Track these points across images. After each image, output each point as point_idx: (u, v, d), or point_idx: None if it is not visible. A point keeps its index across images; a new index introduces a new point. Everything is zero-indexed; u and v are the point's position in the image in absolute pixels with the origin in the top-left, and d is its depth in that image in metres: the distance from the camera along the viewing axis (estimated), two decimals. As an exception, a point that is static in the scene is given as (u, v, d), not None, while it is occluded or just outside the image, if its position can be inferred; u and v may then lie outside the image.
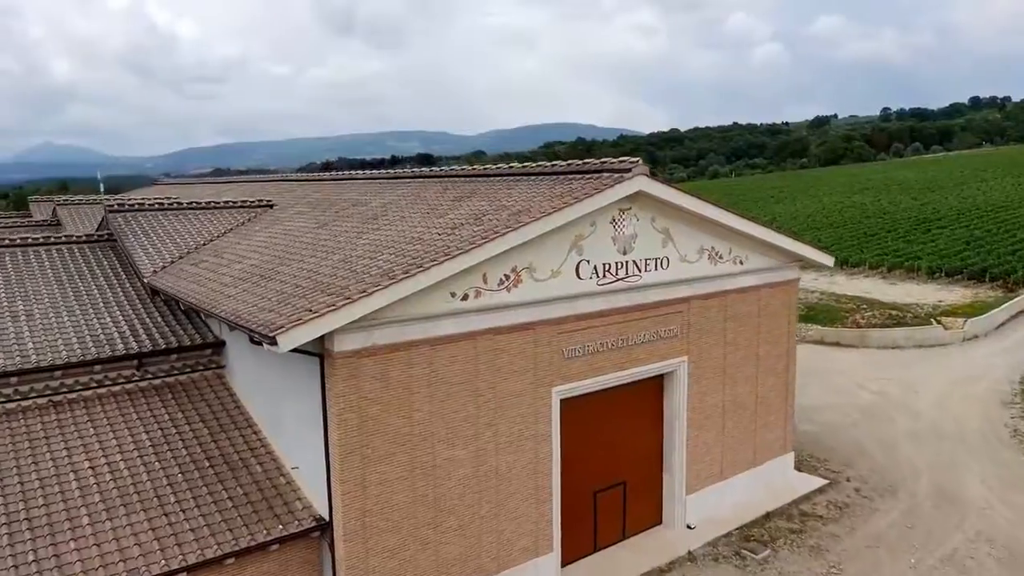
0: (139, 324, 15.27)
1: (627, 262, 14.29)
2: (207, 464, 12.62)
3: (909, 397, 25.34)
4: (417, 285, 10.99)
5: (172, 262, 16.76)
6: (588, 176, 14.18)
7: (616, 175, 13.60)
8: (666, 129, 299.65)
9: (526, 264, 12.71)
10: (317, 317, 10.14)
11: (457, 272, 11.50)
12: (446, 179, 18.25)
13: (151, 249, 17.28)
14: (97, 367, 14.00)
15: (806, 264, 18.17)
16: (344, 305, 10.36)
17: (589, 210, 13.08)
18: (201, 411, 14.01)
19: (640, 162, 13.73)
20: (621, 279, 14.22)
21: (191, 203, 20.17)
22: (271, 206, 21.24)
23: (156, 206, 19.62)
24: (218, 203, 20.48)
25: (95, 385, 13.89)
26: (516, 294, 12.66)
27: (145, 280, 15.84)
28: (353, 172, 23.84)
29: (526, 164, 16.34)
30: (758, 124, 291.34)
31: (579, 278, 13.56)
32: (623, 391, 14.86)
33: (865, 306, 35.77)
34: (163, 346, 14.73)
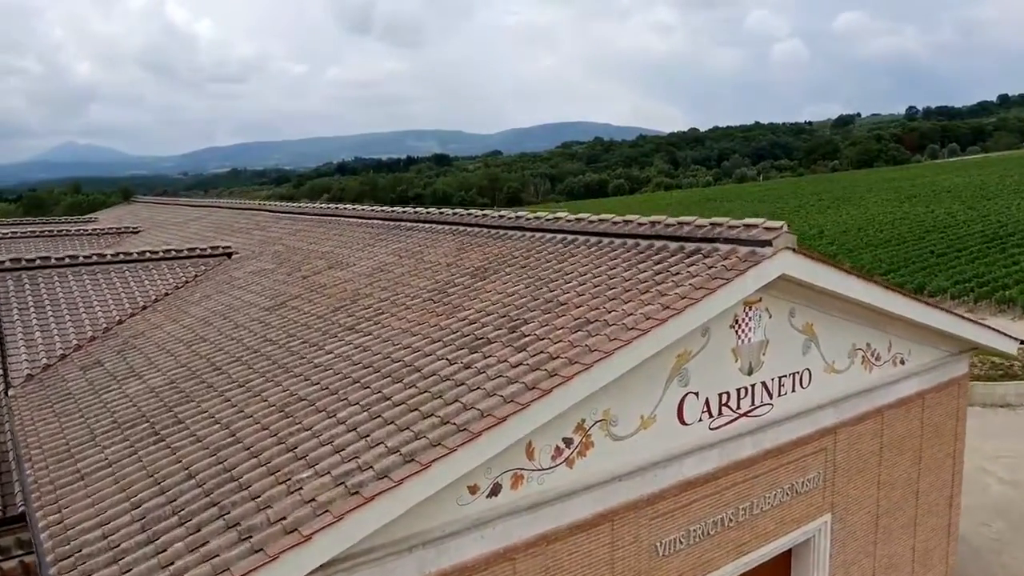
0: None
1: (753, 385, 8.86)
2: None
3: (1054, 490, 19.66)
4: (404, 502, 5.62)
5: (64, 356, 11.50)
6: (690, 245, 8.77)
7: (745, 249, 8.17)
8: (685, 128, 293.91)
9: (599, 416, 7.32)
10: (192, 604, 4.80)
11: (482, 463, 6.14)
12: (463, 228, 12.86)
13: (38, 334, 12.02)
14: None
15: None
16: (263, 565, 5.01)
17: (708, 317, 7.66)
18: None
19: (785, 228, 8.27)
20: (744, 414, 8.80)
21: (117, 255, 14.91)
22: (229, 255, 15.95)
23: (67, 261, 14.38)
24: (156, 254, 15.20)
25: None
26: (582, 468, 7.26)
27: (9, 393, 10.56)
28: (343, 208, 18.57)
29: (581, 217, 10.92)
30: (780, 123, 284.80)
31: (683, 423, 8.15)
32: (737, 581, 9.42)
33: (959, 350, 30.02)
34: None
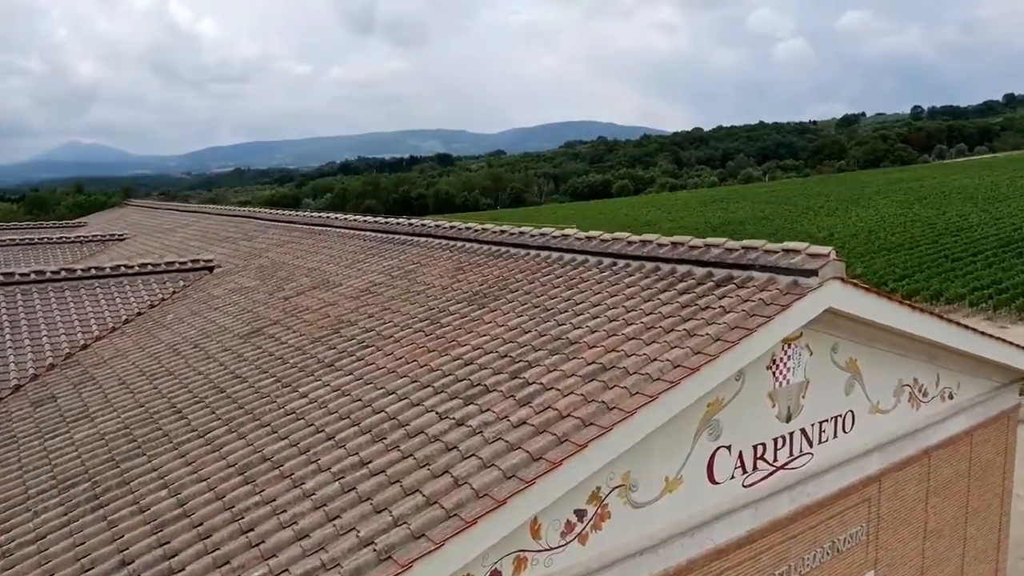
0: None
1: (791, 433, 7.71)
2: None
3: (1093, 517, 18.43)
4: (378, 614, 4.49)
5: (18, 387, 10.38)
6: (719, 271, 7.63)
7: (786, 279, 7.02)
8: (688, 128, 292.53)
9: (617, 481, 6.16)
10: None
11: (476, 555, 5.00)
12: (460, 244, 11.72)
13: (-8, 361, 10.90)
14: None
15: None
16: None
17: (746, 362, 6.53)
18: None
19: (832, 254, 7.11)
20: (782, 466, 7.64)
21: (88, 270, 13.78)
22: (210, 269, 14.83)
23: (32, 277, 13.27)
24: (130, 268, 14.08)
25: None
26: (597, 544, 6.10)
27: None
28: (333, 217, 17.40)
29: (592, 235, 9.75)
30: (784, 123, 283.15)
31: (713, 482, 7.00)
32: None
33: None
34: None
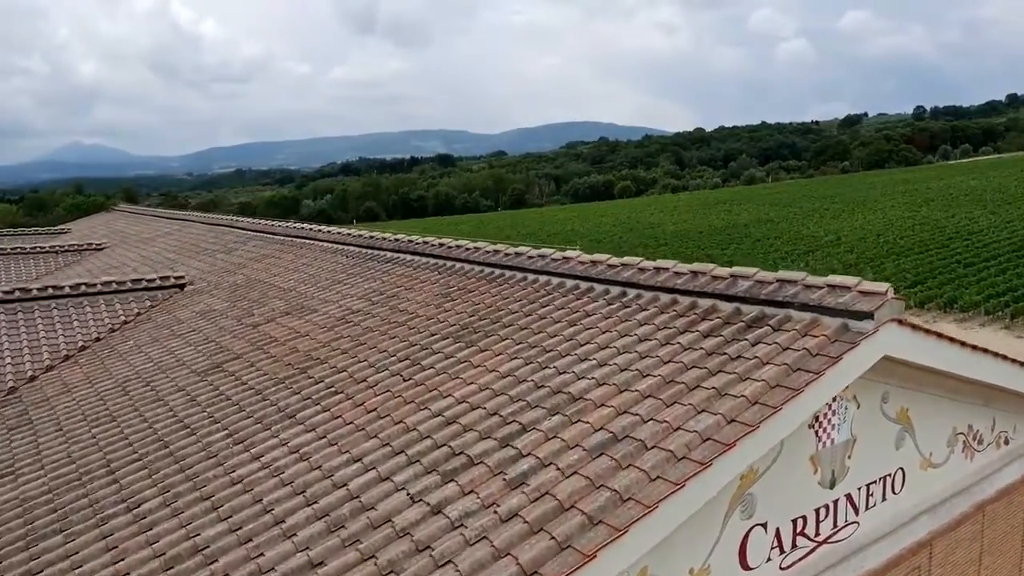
0: None
1: (835, 501, 6.51)
2: None
3: None
4: None
5: (-51, 428, 9.18)
6: (749, 308, 6.44)
7: (834, 321, 5.81)
8: (690, 128, 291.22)
9: (633, 580, 4.97)
10: None
11: None
12: (450, 264, 10.51)
13: (-77, 398, 9.71)
14: None
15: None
16: None
17: (791, 430, 5.33)
18: None
19: (890, 293, 5.90)
20: (825, 540, 6.44)
21: (45, 289, 12.58)
22: (181, 287, 13.63)
23: (-17, 297, 12.08)
24: (92, 287, 12.88)
25: None
26: (608, 661, 4.90)
27: None
28: (316, 230, 16.23)
29: (597, 260, 8.51)
30: (787, 123, 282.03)
31: (746, 567, 5.79)
32: None
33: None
34: None
